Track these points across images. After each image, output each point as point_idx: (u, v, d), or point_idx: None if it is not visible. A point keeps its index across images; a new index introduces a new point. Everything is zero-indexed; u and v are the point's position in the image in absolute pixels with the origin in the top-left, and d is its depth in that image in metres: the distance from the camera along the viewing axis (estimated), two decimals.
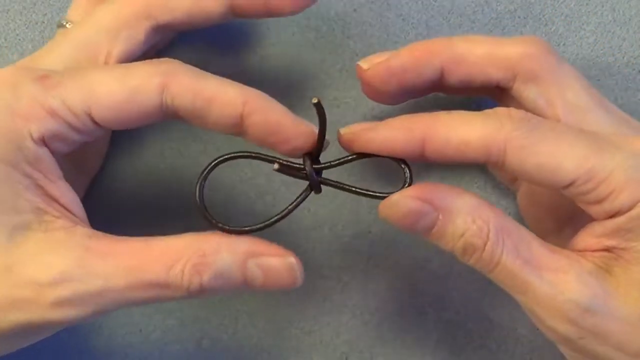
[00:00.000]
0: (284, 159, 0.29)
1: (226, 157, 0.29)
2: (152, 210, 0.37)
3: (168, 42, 0.35)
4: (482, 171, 0.38)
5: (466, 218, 0.27)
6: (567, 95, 0.31)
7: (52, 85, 0.27)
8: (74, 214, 0.28)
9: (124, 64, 0.29)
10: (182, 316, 0.37)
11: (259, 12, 0.31)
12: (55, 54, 0.30)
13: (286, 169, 0.29)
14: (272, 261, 0.28)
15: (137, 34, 0.31)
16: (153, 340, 0.37)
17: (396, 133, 0.28)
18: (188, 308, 0.37)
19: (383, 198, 0.29)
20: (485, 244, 0.27)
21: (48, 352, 0.37)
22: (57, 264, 0.27)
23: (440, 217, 0.28)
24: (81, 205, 0.29)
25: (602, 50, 0.37)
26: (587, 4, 0.37)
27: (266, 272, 0.28)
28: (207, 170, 0.29)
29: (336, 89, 0.37)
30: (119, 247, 0.28)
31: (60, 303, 0.27)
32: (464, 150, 0.28)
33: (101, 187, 0.37)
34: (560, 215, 0.33)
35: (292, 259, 0.28)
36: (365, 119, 0.37)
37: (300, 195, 0.30)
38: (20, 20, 0.37)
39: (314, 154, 0.29)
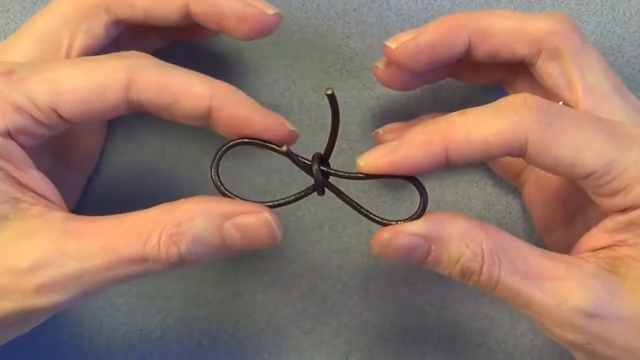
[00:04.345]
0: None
1: (238, 142, 0.29)
2: None
3: (166, 44, 0.35)
4: (482, 170, 0.37)
5: (459, 244, 0.28)
6: (588, 78, 0.31)
7: (18, 80, 0.27)
8: (50, 201, 0.28)
9: (89, 57, 0.29)
10: (182, 316, 0.37)
11: (216, 27, 0.31)
12: (18, 47, 0.30)
13: (294, 157, 0.29)
14: (248, 219, 0.28)
15: (97, 27, 0.31)
16: (153, 340, 0.37)
17: (417, 149, 0.28)
18: (188, 308, 0.37)
19: (381, 223, 0.29)
20: (481, 267, 0.27)
21: (48, 352, 0.37)
22: (35, 249, 0.27)
23: (433, 247, 0.28)
24: (57, 192, 0.29)
25: (602, 50, 0.37)
26: (587, 4, 0.37)
27: (242, 231, 0.27)
28: (223, 150, 0.29)
29: (336, 89, 0.37)
30: (93, 227, 0.27)
31: (42, 289, 0.27)
32: (487, 150, 0.27)
33: (101, 187, 0.37)
34: (569, 207, 0.33)
35: (267, 215, 0.28)
36: (366, 118, 0.37)
37: (304, 191, 0.29)
38: (20, 20, 0.37)
39: (324, 154, 0.29)
